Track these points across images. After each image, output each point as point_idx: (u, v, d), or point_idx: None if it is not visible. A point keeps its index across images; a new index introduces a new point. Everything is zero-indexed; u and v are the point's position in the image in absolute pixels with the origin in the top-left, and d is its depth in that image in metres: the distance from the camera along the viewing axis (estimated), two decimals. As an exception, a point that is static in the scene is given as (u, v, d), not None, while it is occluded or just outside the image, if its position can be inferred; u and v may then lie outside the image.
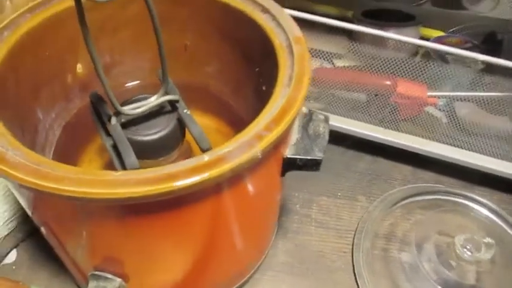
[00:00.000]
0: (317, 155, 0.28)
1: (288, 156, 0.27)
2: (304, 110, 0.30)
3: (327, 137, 0.29)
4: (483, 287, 0.37)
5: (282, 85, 0.26)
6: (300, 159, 0.28)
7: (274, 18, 0.30)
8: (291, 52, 0.28)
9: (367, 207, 0.43)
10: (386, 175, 0.46)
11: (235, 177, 0.23)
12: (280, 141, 0.25)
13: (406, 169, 0.47)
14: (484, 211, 0.41)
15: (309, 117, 0.30)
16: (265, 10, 0.31)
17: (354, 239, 0.41)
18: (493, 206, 0.41)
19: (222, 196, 0.24)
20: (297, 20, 0.42)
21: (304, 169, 0.28)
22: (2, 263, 0.37)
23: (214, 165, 0.21)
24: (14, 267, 0.37)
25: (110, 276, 0.28)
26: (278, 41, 0.29)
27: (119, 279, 0.28)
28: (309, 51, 0.36)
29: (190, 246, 0.27)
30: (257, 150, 0.22)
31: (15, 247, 0.38)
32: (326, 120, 0.30)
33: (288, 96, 0.25)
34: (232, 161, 0.21)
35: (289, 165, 0.28)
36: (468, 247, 0.36)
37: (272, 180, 0.29)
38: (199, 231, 0.26)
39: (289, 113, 0.24)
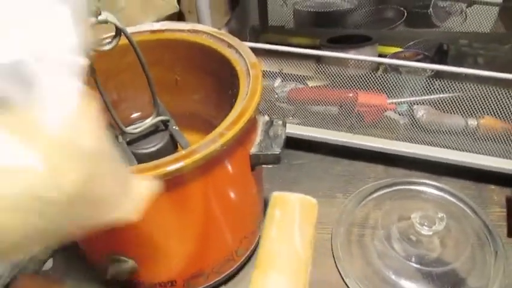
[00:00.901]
0: (276, 150, 0.36)
1: (253, 152, 0.36)
2: (267, 118, 0.39)
3: (283, 137, 0.37)
4: (444, 254, 0.43)
5: (241, 98, 0.35)
6: (263, 154, 0.36)
7: (237, 50, 0.40)
8: (248, 74, 0.37)
9: (343, 202, 0.51)
10: (361, 175, 0.54)
11: (209, 165, 0.32)
12: (242, 139, 0.34)
13: (378, 168, 0.54)
14: (439, 193, 0.49)
15: (270, 123, 0.39)
16: (230, 45, 0.40)
17: (332, 229, 0.48)
18: (445, 187, 0.49)
19: (204, 180, 0.33)
20: (272, 52, 0.52)
21: (268, 163, 0.37)
22: (42, 269, 0.46)
23: (188, 155, 0.30)
24: (50, 272, 0.46)
25: (124, 258, 0.36)
26: (239, 67, 0.38)
27: (131, 261, 0.36)
28: (284, 75, 0.45)
29: (185, 223, 0.36)
30: (218, 143, 0.31)
31: (52, 256, 0.47)
32: (284, 124, 0.39)
33: (243, 105, 0.34)
34: (201, 151, 0.30)
35: (255, 160, 0.37)
36: (425, 223, 0.44)
37: (243, 172, 0.37)
38: (190, 209, 0.35)
39: (244, 117, 0.33)
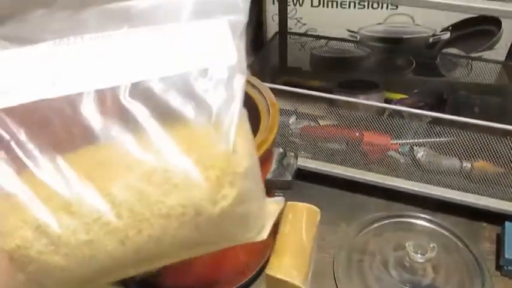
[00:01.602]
0: (288, 177, 0.43)
1: (268, 178, 0.43)
2: (281, 150, 0.46)
3: (295, 167, 0.44)
4: (436, 280, 0.49)
5: (260, 132, 0.42)
6: (276, 180, 0.43)
7: (259, 91, 0.47)
8: (268, 112, 0.44)
9: (346, 231, 0.56)
10: (363, 207, 0.60)
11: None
12: (260, 166, 0.41)
13: (379, 201, 0.60)
14: (433, 226, 0.55)
15: (283, 155, 0.46)
16: (253, 86, 0.48)
17: (334, 253, 0.54)
18: (439, 221, 0.54)
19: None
20: (289, 92, 0.59)
21: (281, 188, 0.43)
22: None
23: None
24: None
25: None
26: (261, 105, 0.46)
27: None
28: (299, 113, 0.52)
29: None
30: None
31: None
32: (295, 156, 0.45)
33: (262, 138, 0.41)
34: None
35: (270, 185, 0.43)
36: (418, 251, 0.49)
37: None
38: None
39: (262, 148, 0.40)
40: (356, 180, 0.59)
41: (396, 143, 0.60)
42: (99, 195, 0.18)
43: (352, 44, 0.83)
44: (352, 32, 0.83)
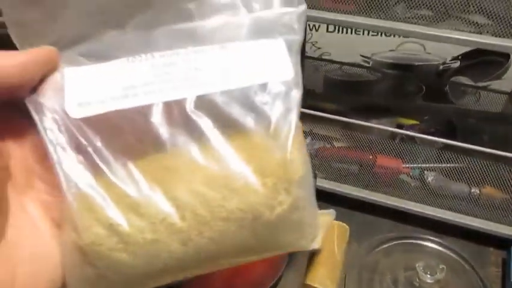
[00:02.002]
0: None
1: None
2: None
3: (314, 185, 0.47)
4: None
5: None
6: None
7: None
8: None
9: (357, 250, 0.59)
10: (374, 227, 0.62)
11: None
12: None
13: (390, 223, 0.63)
14: (442, 249, 0.57)
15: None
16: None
17: (346, 271, 0.56)
18: (447, 244, 0.57)
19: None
20: (305, 114, 0.62)
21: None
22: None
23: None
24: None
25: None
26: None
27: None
28: (314, 134, 0.54)
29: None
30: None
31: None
32: (314, 176, 0.48)
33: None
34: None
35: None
36: (428, 272, 0.51)
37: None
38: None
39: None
40: (368, 201, 0.62)
41: (408, 167, 0.63)
42: (165, 198, 0.20)
43: (365, 70, 0.86)
44: (365, 57, 0.86)
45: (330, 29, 0.84)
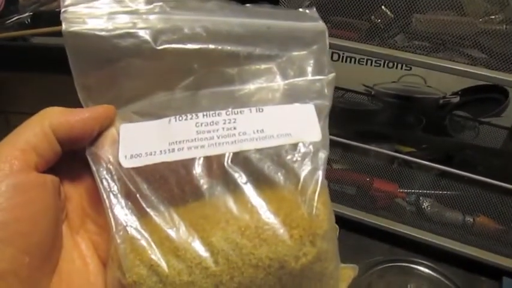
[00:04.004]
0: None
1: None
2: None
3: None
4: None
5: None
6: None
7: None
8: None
9: (351, 270, 0.60)
10: (368, 249, 0.64)
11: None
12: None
13: (384, 246, 0.65)
14: (434, 274, 0.59)
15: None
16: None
17: (339, 290, 0.57)
18: (440, 270, 0.58)
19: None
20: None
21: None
22: None
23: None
24: None
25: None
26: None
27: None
28: None
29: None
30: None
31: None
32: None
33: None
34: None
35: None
36: (418, 294, 0.53)
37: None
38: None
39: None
40: (363, 222, 0.64)
41: (404, 192, 0.65)
42: (202, 243, 0.22)
43: (367, 99, 0.89)
44: (367, 87, 0.90)
45: (334, 58, 0.88)
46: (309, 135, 0.24)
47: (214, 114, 0.24)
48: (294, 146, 0.23)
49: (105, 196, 0.22)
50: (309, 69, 0.26)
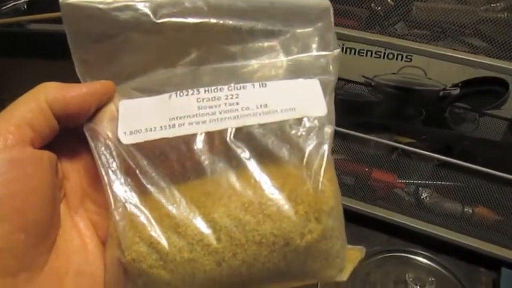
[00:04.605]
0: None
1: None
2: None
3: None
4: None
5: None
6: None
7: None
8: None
9: (349, 260, 0.60)
10: (366, 239, 0.64)
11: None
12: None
13: (382, 236, 0.65)
14: (433, 264, 0.59)
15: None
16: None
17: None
18: (439, 260, 0.58)
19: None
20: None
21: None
22: None
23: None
24: None
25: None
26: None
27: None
28: None
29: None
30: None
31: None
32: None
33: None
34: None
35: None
36: (418, 283, 0.53)
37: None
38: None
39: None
40: (362, 213, 0.64)
41: (403, 182, 0.65)
42: (203, 220, 0.22)
43: (367, 90, 0.89)
44: (367, 78, 0.90)
45: (334, 49, 0.88)
46: (314, 109, 0.23)
47: (216, 90, 0.24)
48: (299, 121, 0.23)
49: (103, 172, 0.22)
50: (314, 45, 0.25)
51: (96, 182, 0.23)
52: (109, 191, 0.22)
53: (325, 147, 0.23)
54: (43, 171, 0.21)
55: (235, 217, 0.22)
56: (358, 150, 0.66)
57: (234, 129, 0.23)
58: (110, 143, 0.22)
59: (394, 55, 0.86)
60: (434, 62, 0.86)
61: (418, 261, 0.60)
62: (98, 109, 0.23)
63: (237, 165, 0.22)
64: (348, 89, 0.89)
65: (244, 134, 0.23)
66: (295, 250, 0.22)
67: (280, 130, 0.23)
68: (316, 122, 0.23)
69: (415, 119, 0.89)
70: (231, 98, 0.24)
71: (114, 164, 0.22)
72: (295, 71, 0.25)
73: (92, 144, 0.22)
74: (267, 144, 0.23)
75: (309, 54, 0.25)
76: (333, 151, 0.71)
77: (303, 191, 0.22)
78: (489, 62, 0.52)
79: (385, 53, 0.87)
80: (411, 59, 0.86)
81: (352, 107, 0.89)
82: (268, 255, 0.22)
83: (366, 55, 0.88)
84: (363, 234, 0.65)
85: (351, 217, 0.65)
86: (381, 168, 0.64)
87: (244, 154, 0.23)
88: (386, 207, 0.64)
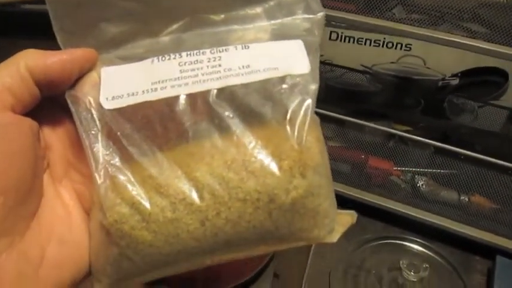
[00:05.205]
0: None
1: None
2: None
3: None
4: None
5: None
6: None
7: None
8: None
9: (345, 247, 0.60)
10: (362, 227, 0.64)
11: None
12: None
13: (378, 224, 0.65)
14: (428, 252, 0.59)
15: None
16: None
17: (332, 266, 0.57)
18: (434, 248, 0.58)
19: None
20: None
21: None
22: None
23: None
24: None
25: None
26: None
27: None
28: None
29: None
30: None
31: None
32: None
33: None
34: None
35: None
36: (412, 270, 0.53)
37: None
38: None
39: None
40: (357, 200, 0.64)
41: (399, 170, 0.65)
42: (186, 179, 0.22)
43: (365, 79, 0.89)
44: (366, 67, 0.89)
45: (332, 37, 0.87)
46: (297, 68, 0.23)
47: (198, 53, 0.24)
48: (282, 79, 0.23)
49: (84, 136, 0.22)
50: (298, 11, 0.25)
51: (81, 151, 0.23)
52: (90, 154, 0.22)
53: (309, 103, 0.23)
54: (24, 136, 0.21)
55: (218, 175, 0.22)
56: (355, 138, 0.66)
57: (216, 90, 0.23)
58: (91, 108, 0.22)
59: (393, 44, 0.86)
60: (433, 51, 0.86)
61: (413, 248, 0.60)
62: (80, 77, 0.23)
63: (220, 124, 0.22)
64: (347, 78, 0.89)
65: (226, 94, 0.23)
66: (280, 207, 0.22)
67: (263, 88, 0.23)
68: (299, 79, 0.23)
69: (414, 109, 0.88)
70: (214, 61, 0.24)
71: (96, 128, 0.22)
72: (279, 35, 0.25)
73: (73, 109, 0.22)
74: (249, 103, 0.23)
75: (293, 17, 0.25)
76: (329, 138, 0.70)
77: (287, 146, 0.22)
78: (488, 47, 0.52)
79: (384, 41, 0.87)
80: (410, 48, 0.86)
81: (350, 96, 0.89)
82: (253, 212, 0.22)
83: (365, 44, 0.87)
84: (358, 222, 0.65)
85: (347, 205, 0.65)
86: (377, 155, 0.64)
87: (227, 113, 0.23)
88: (382, 194, 0.64)
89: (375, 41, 0.87)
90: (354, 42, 0.88)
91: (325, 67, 0.88)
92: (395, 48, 0.86)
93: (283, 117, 0.22)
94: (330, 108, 0.83)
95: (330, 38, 0.87)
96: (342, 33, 0.88)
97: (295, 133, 0.22)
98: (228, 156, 0.22)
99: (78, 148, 0.23)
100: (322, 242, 0.24)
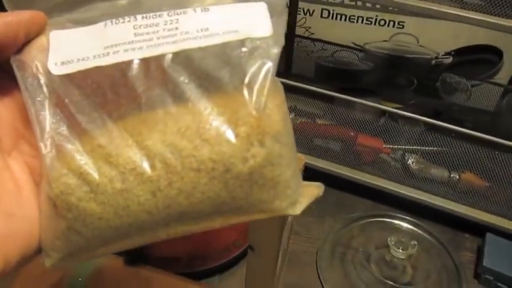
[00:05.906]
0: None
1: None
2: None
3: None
4: (415, 280, 0.52)
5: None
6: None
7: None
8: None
9: (332, 225, 0.60)
10: (350, 205, 0.63)
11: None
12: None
13: (367, 202, 0.64)
14: (417, 230, 0.59)
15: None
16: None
17: (319, 245, 0.57)
18: (424, 225, 0.58)
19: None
20: (290, 89, 0.63)
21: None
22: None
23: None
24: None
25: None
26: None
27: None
28: (298, 110, 0.54)
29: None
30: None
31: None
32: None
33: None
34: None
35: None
36: (400, 247, 0.52)
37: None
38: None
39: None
40: (347, 178, 0.63)
41: (389, 147, 0.64)
42: (136, 147, 0.21)
43: (357, 58, 0.87)
44: (358, 45, 0.88)
45: (324, 15, 0.85)
46: (258, 30, 0.22)
47: (154, 16, 0.22)
48: (242, 42, 0.22)
49: (30, 103, 0.21)
50: None
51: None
52: (36, 122, 0.21)
53: (269, 67, 0.22)
54: None
55: (171, 143, 0.20)
56: (344, 115, 0.64)
57: (171, 54, 0.22)
58: (38, 73, 0.21)
59: (385, 21, 0.84)
60: (427, 29, 0.84)
61: (402, 226, 0.59)
62: (28, 41, 0.22)
63: (174, 90, 0.21)
64: (338, 56, 0.88)
65: (182, 58, 0.22)
66: (237, 177, 0.21)
67: (221, 52, 0.22)
68: (259, 42, 0.22)
69: (406, 88, 0.87)
70: (170, 24, 0.22)
71: (42, 95, 0.21)
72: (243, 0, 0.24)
73: (18, 74, 0.21)
74: (206, 67, 0.22)
75: None
76: (318, 116, 0.68)
77: (245, 113, 0.21)
78: (481, 18, 0.50)
79: (376, 19, 0.85)
80: (403, 26, 0.84)
81: (341, 75, 0.87)
82: (208, 183, 0.21)
83: (357, 21, 0.86)
84: (347, 201, 0.64)
85: (336, 183, 0.65)
86: (367, 133, 0.63)
87: (182, 78, 0.21)
88: (372, 172, 0.63)
89: (367, 19, 0.85)
90: (345, 20, 0.86)
91: (316, 45, 0.86)
92: (388, 26, 0.84)
93: (241, 81, 0.21)
94: (321, 87, 0.81)
95: (321, 16, 0.85)
96: (333, 10, 0.86)
97: (254, 98, 0.21)
98: (182, 124, 0.21)
99: (29, 120, 0.22)
100: (284, 214, 0.23)
